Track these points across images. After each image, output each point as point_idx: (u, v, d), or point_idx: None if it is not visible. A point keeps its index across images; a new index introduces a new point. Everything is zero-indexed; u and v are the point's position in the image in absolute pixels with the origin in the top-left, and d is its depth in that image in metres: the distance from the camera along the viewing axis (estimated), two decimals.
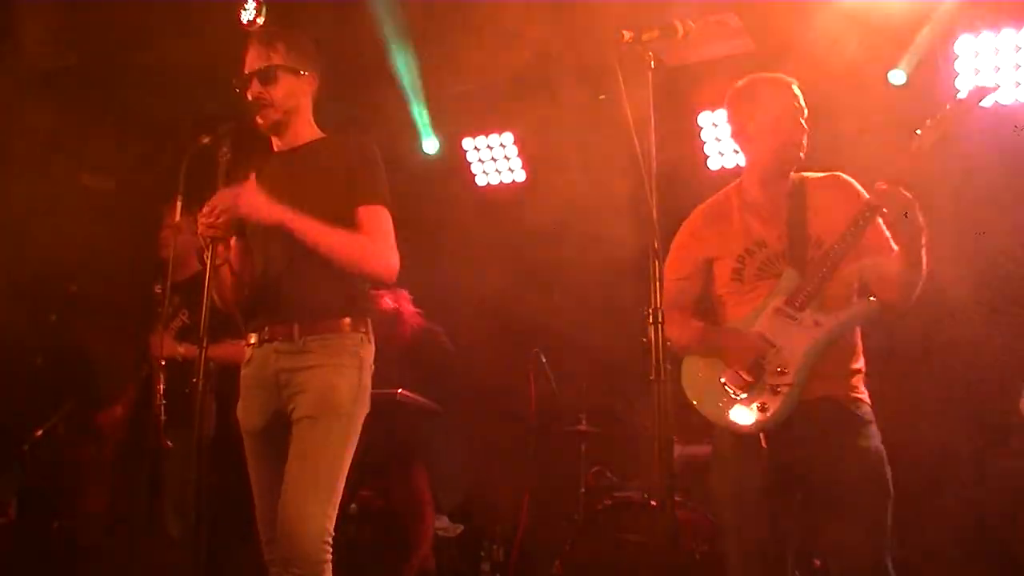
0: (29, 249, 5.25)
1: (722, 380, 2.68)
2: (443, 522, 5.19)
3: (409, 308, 5.12)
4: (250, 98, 2.80)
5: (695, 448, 4.10)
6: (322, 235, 2.64)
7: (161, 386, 3.99)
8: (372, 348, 2.79)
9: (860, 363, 2.74)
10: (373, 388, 2.76)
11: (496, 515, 5.22)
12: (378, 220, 2.73)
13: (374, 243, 2.71)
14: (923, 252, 2.59)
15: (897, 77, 4.75)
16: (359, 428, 2.70)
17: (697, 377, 2.76)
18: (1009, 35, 4.53)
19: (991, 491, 4.51)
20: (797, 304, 2.64)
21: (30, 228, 5.37)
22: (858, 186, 2.79)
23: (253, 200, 2.62)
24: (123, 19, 4.75)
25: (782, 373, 2.61)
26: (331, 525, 2.57)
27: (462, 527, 5.25)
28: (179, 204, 2.72)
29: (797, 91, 2.83)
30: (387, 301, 5.04)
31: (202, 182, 2.69)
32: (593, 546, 4.27)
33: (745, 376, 2.64)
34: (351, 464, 2.72)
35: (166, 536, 3.98)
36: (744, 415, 2.64)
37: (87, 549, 4.88)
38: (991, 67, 4.58)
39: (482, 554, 5.18)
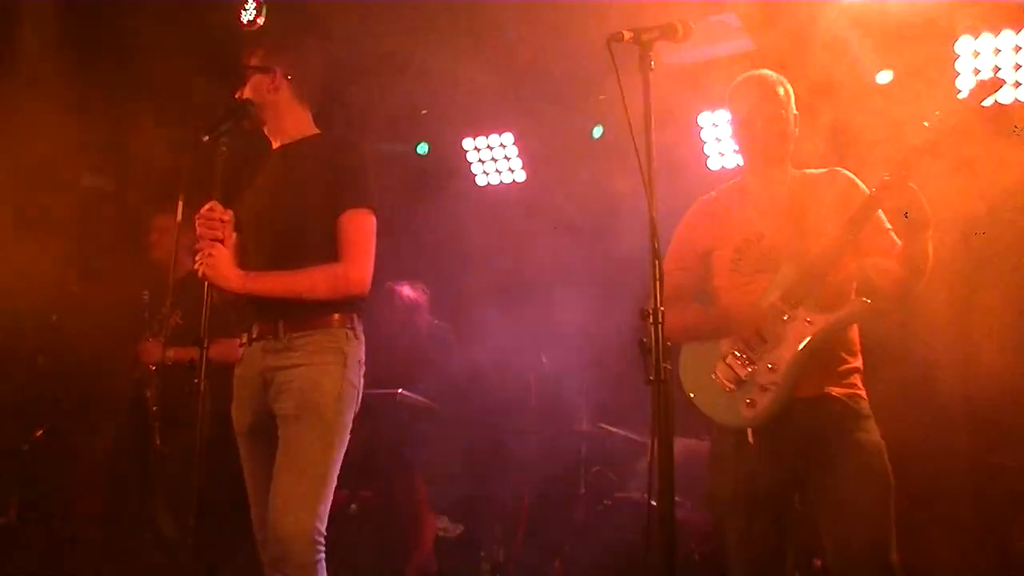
0: (29, 249, 5.25)
1: (714, 375, 2.69)
2: (443, 522, 5.19)
3: (426, 301, 5.14)
4: (237, 98, 2.88)
5: (692, 442, 4.09)
6: (290, 288, 2.66)
7: (151, 392, 4.00)
8: (361, 345, 2.77)
9: (858, 361, 2.74)
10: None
11: (496, 515, 5.21)
12: (357, 230, 2.72)
13: (345, 268, 2.69)
14: (928, 245, 2.58)
15: (884, 77, 4.76)
16: (347, 426, 2.68)
17: (693, 368, 2.76)
18: (1008, 36, 4.53)
19: (989, 491, 4.51)
20: (792, 301, 2.64)
21: (30, 228, 5.36)
22: (857, 181, 2.79)
23: (221, 270, 2.61)
24: (124, 19, 4.75)
25: (772, 370, 2.61)
26: (322, 524, 2.56)
27: (462, 527, 5.25)
28: (181, 203, 2.72)
29: (776, 86, 2.82)
30: (407, 291, 5.05)
31: (201, 181, 2.69)
32: (593, 546, 4.27)
33: (738, 370, 2.65)
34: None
35: (160, 536, 3.98)
36: (733, 410, 2.64)
37: (85, 549, 4.89)
38: (990, 68, 4.58)
39: (482, 554, 5.17)
